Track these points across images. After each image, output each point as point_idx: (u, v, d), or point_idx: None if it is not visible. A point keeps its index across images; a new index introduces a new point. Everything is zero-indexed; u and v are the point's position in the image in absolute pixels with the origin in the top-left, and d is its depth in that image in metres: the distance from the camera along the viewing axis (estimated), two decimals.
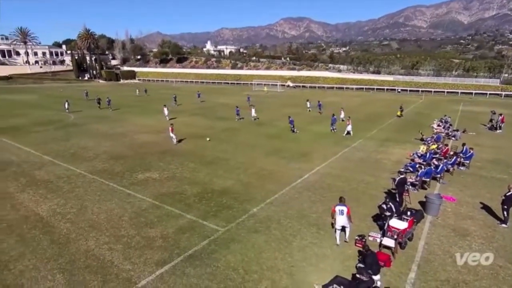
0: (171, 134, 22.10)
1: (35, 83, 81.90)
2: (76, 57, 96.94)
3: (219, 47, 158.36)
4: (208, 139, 23.39)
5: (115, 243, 10.02)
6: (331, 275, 8.11)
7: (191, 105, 42.62)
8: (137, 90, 58.60)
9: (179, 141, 22.74)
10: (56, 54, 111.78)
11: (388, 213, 10.14)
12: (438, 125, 26.05)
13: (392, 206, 10.14)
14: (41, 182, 15.26)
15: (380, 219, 10.95)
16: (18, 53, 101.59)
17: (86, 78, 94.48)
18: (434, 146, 18.58)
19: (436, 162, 15.42)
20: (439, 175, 14.84)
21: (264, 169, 16.84)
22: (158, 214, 11.89)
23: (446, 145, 20.36)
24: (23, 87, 73.37)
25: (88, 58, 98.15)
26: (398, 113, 31.64)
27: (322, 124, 27.78)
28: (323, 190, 14.11)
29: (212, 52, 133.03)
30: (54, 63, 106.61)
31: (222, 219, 11.53)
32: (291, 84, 73.12)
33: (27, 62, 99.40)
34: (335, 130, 25.57)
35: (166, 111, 31.33)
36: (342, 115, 29.59)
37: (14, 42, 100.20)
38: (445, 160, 15.90)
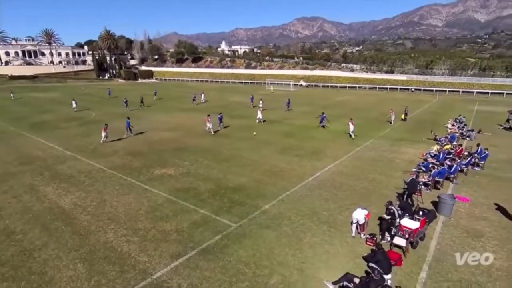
0: (208, 125, 24.67)
1: (59, 82, 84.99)
2: (97, 57, 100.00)
3: (234, 47, 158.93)
4: (254, 133, 24.80)
5: (132, 236, 10.43)
6: (341, 272, 8.22)
7: (206, 104, 43.15)
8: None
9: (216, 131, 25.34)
10: (78, 55, 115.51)
11: (387, 217, 10.08)
12: (453, 125, 25.51)
13: (395, 211, 10.00)
14: (64, 176, 15.98)
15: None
16: (43, 54, 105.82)
17: (106, 77, 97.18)
18: (448, 146, 18.28)
19: (449, 163, 15.20)
20: (452, 175, 14.64)
21: (277, 167, 17.02)
22: (173, 209, 12.27)
23: (461, 145, 19.98)
24: (48, 86, 76.14)
25: (108, 58, 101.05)
26: (402, 117, 30.34)
27: (337, 122, 27.67)
28: (334, 188, 14.18)
29: (226, 52, 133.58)
30: (76, 63, 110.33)
31: (235, 215, 11.80)
32: (303, 83, 72.77)
33: (52, 62, 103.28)
34: (325, 127, 26.80)
35: None
36: (393, 116, 28.61)
37: (40, 43, 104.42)
38: (459, 161, 15.65)
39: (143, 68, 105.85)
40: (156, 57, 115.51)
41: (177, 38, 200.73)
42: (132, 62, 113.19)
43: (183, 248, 9.73)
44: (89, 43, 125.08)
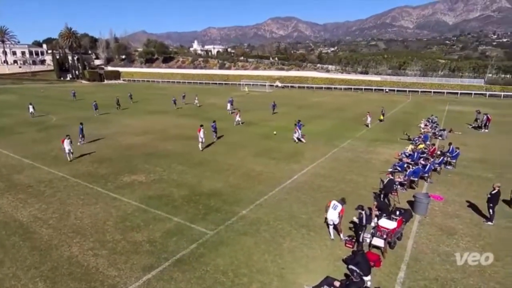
0: (200, 136, 20.05)
1: (14, 84, 79.03)
2: (58, 57, 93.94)
3: (207, 47, 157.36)
4: (274, 132, 24.68)
5: (100, 249, 9.73)
6: (321, 276, 8.06)
7: (181, 106, 41.99)
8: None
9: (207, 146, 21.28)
10: (37, 54, 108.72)
11: (359, 223, 9.97)
12: (425, 125, 26.37)
13: (364, 217, 9.82)
14: (21, 186, 14.73)
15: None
16: None
17: (68, 78, 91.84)
18: (422, 146, 18.81)
19: (423, 162, 15.61)
20: (426, 175, 15.04)
21: (254, 170, 16.71)
22: (145, 218, 11.61)
23: (433, 144, 20.67)
24: (1, 88, 70.92)
25: (70, 57, 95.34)
26: (381, 117, 31.39)
27: (312, 123, 27.81)
28: (312, 190, 14.09)
29: (199, 51, 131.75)
30: (34, 62, 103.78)
31: (211, 221, 11.35)
32: (279, 84, 73.25)
33: (5, 61, 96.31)
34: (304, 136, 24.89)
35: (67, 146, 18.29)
36: (369, 119, 28.06)
37: None
38: (432, 160, 16.11)
39: (109, 68, 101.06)
40: (123, 56, 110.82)
41: (146, 36, 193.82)
42: (97, 62, 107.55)
43: (156, 259, 9.18)
44: (48, 41, 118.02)
